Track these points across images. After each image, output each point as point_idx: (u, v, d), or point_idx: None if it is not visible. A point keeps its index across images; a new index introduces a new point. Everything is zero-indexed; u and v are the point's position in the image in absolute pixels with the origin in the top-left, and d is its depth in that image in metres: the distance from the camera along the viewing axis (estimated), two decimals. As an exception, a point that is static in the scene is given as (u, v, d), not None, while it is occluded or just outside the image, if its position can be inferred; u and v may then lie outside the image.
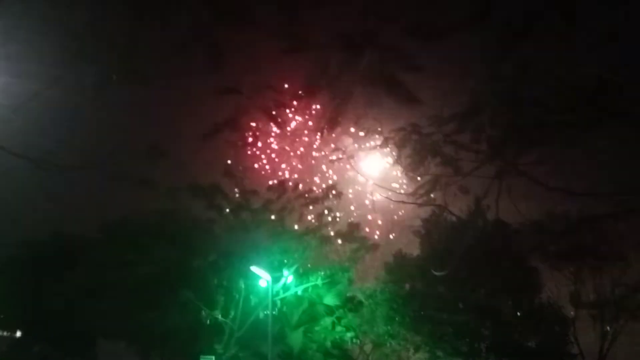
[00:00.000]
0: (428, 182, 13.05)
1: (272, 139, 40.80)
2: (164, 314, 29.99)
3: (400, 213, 38.21)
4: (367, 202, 37.58)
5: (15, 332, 42.11)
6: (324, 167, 41.48)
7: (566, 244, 23.45)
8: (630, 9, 9.40)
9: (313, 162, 41.41)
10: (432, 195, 13.61)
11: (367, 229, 33.14)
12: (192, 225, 30.54)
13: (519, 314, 24.94)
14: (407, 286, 26.76)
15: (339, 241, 30.19)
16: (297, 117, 38.58)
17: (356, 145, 40.16)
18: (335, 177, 39.99)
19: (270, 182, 33.87)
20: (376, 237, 37.08)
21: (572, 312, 25.54)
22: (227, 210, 30.50)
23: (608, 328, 25.65)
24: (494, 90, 10.03)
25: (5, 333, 42.10)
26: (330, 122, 13.45)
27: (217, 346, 29.57)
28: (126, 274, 30.19)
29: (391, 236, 37.15)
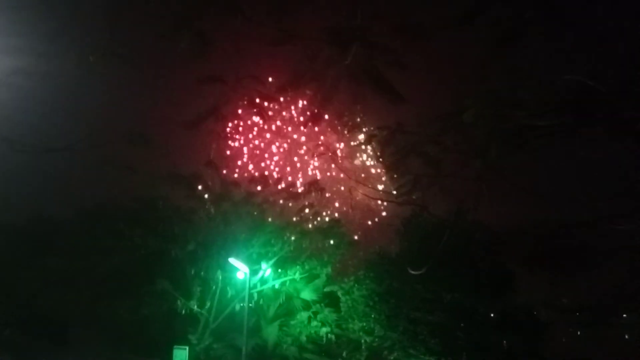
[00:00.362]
0: (409, 181, 13.05)
1: (255, 132, 40.76)
2: (139, 303, 29.79)
3: (381, 211, 38.41)
4: (348, 199, 37.66)
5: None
6: (307, 162, 41.51)
7: (545, 249, 23.67)
8: (614, 14, 9.49)
9: (296, 157, 41.42)
10: (414, 197, 13.65)
11: (348, 226, 33.18)
12: (172, 213, 30.33)
13: (493, 315, 25.14)
14: (385, 284, 26.77)
15: (319, 236, 30.15)
16: (282, 112, 38.56)
17: (342, 144, 40.41)
18: (318, 174, 40.08)
19: (253, 175, 33.86)
20: (357, 237, 37.27)
21: (547, 316, 25.77)
22: (208, 200, 30.30)
23: (579, 332, 25.99)
24: (479, 92, 10.06)
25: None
26: (315, 117, 13.37)
27: (192, 337, 29.42)
28: (102, 261, 29.94)
29: (371, 234, 37.31)
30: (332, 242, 30.14)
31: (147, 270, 29.93)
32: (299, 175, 38.26)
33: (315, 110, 12.16)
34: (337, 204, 38.25)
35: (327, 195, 34.60)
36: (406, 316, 25.33)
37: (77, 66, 10.10)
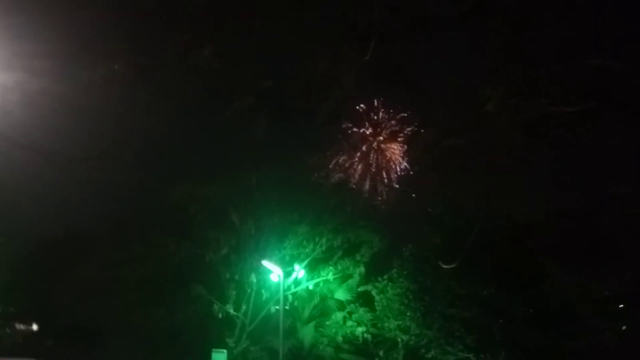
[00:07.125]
0: (436, 174, 13.04)
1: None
2: (174, 308, 30.25)
3: (411, 207, 38.09)
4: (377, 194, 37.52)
5: (31, 325, 42.77)
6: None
7: (578, 240, 23.26)
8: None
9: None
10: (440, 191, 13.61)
11: (378, 224, 32.95)
12: (205, 218, 30.61)
13: (530, 310, 24.70)
14: (419, 281, 26.56)
15: (351, 235, 30.04)
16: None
17: (367, 141, 40.24)
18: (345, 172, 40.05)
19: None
20: (388, 234, 36.97)
21: (584, 309, 25.19)
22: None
23: (623, 327, 25.40)
24: (500, 81, 9.98)
25: (22, 326, 42.80)
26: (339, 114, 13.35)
27: (229, 340, 29.73)
28: (135, 269, 30.47)
29: (403, 231, 36.99)
30: (363, 239, 30.05)
31: (181, 276, 30.37)
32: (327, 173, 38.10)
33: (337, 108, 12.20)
34: (366, 200, 38.14)
35: (357, 190, 34.43)
36: (441, 313, 25.08)
37: (102, 79, 10.41)
